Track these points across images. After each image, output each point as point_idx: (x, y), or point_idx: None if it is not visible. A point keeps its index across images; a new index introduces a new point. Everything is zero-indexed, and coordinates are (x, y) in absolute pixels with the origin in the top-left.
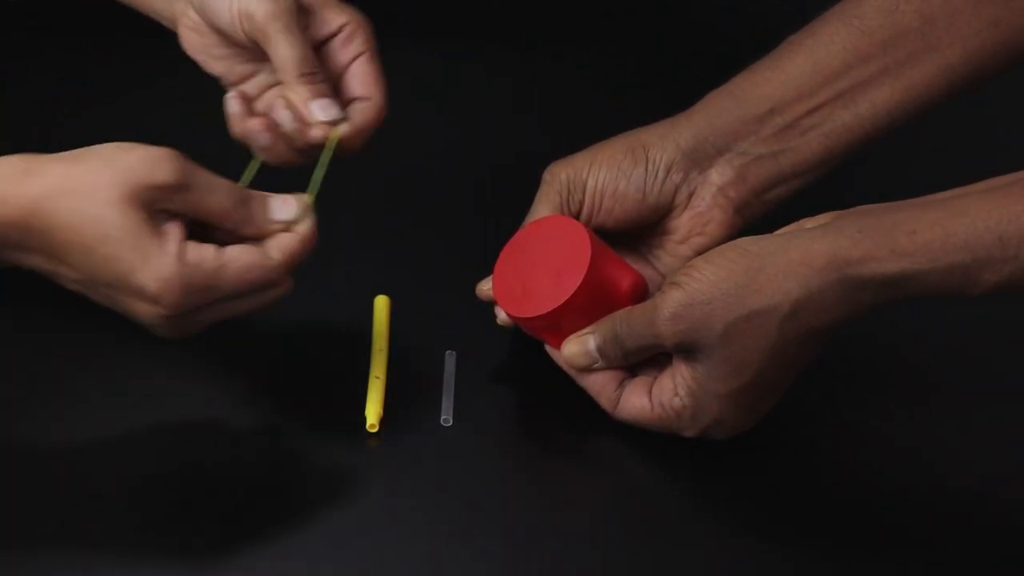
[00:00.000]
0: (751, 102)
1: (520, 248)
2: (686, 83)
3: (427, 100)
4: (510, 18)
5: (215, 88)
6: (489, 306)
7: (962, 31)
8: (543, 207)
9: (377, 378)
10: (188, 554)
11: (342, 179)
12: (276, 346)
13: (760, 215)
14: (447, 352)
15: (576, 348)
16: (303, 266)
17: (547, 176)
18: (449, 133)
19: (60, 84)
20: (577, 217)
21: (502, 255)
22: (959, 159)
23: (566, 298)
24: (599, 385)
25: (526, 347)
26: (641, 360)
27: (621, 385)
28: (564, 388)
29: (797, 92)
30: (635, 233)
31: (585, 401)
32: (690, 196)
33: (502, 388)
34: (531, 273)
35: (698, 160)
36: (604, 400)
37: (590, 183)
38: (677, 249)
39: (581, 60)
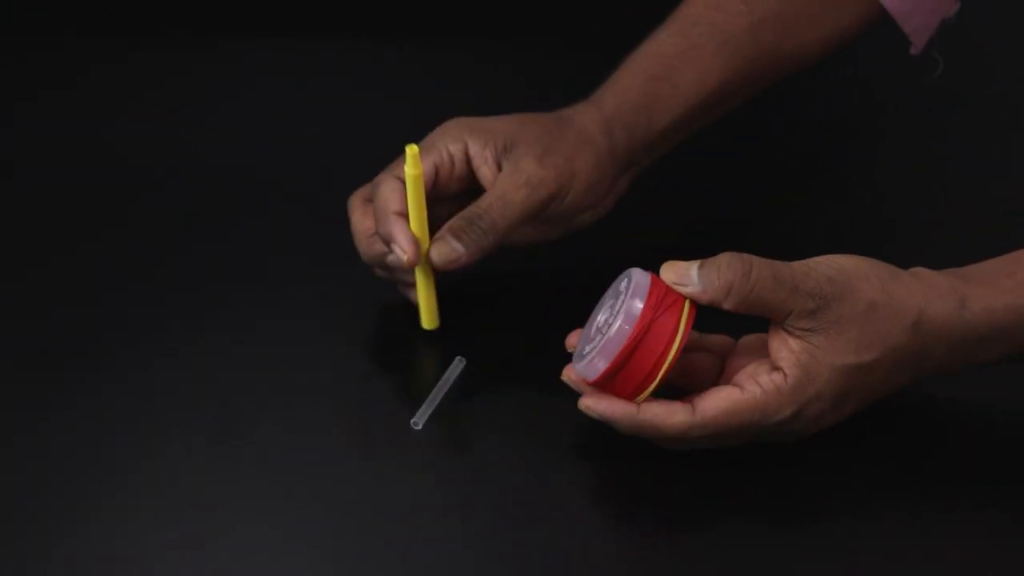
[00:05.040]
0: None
1: None
2: None
3: (432, 100)
4: (516, 17)
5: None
6: (496, 309)
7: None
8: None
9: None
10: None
11: (346, 180)
12: (279, 346)
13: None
14: (457, 358)
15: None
16: (301, 266)
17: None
18: None
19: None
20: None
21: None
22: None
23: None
24: (664, 410)
25: (536, 351)
26: (741, 312)
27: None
28: (573, 391)
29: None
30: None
31: None
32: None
33: (509, 389)
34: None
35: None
36: (680, 411)
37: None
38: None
39: (583, 59)
